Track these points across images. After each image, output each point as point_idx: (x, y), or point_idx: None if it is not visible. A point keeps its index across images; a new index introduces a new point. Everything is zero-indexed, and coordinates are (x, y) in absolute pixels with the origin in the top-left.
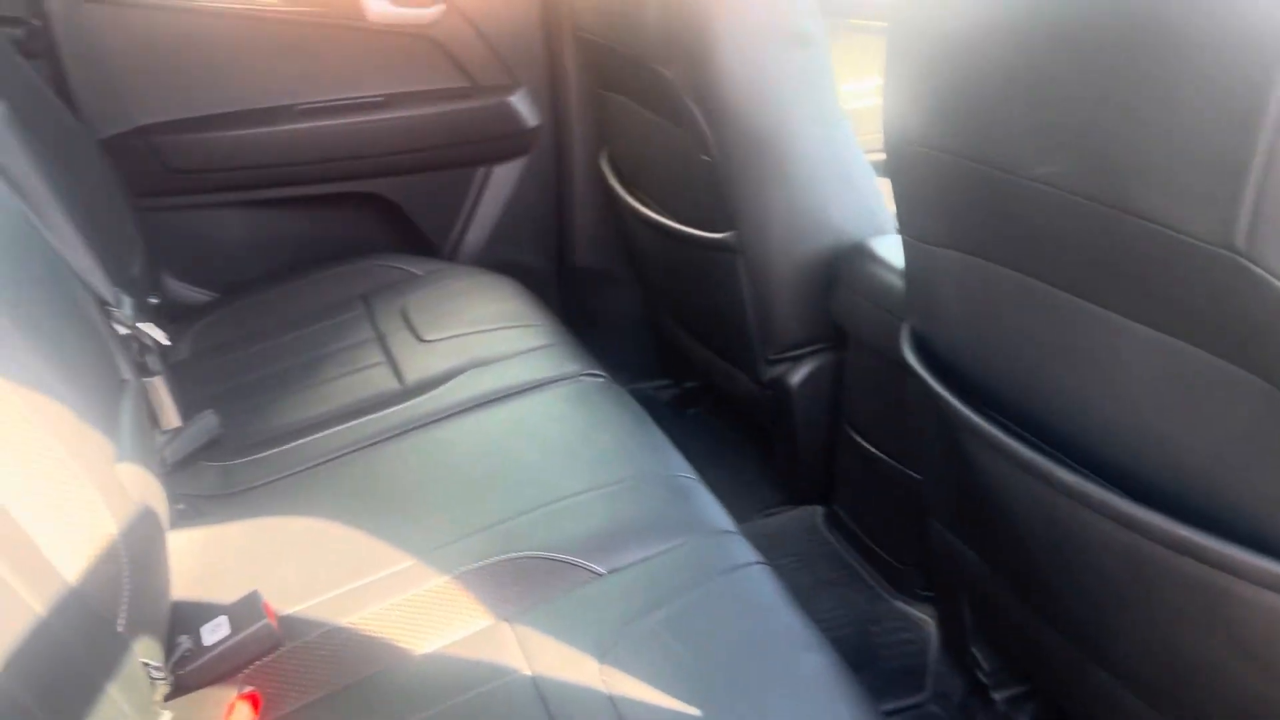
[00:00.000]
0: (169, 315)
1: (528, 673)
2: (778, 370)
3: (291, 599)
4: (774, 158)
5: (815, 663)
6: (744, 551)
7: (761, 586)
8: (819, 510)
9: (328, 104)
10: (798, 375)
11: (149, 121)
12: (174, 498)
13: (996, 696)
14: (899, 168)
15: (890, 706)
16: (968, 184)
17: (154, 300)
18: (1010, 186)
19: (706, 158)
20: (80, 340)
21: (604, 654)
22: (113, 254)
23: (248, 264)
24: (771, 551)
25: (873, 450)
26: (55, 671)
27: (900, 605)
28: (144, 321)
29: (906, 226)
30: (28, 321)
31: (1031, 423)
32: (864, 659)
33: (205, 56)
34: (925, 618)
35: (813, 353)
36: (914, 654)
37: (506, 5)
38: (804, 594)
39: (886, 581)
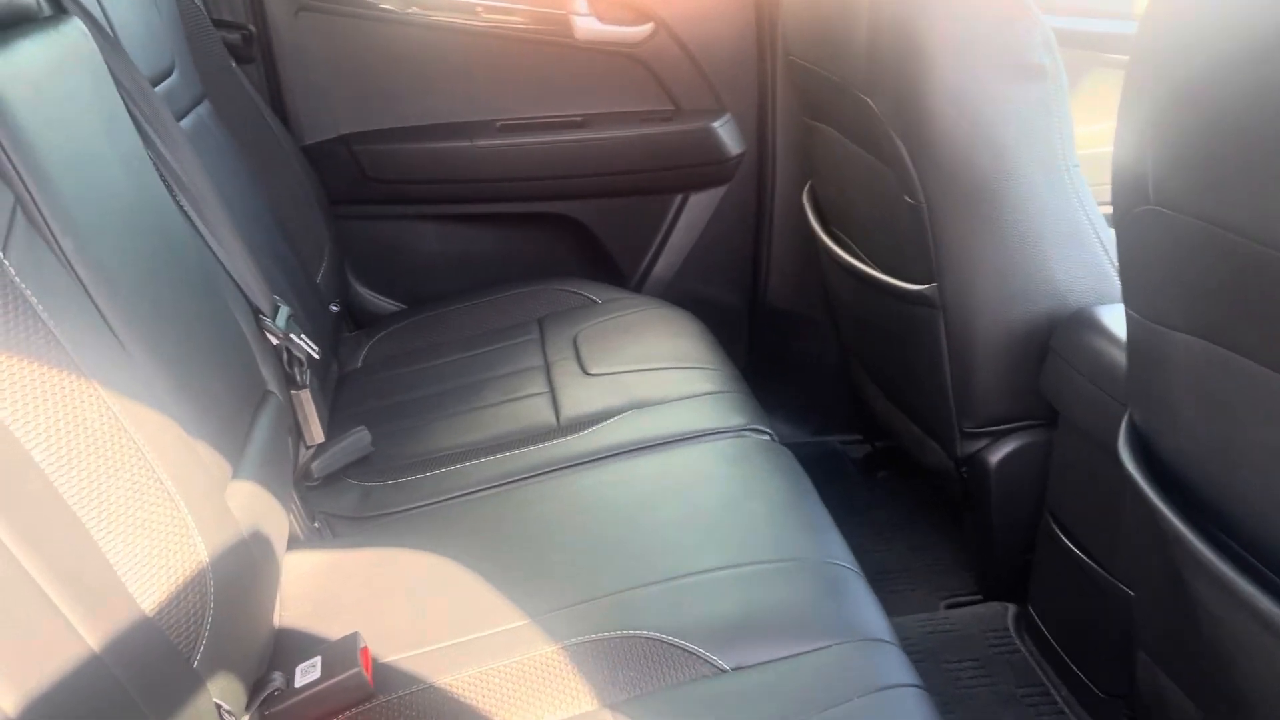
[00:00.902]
0: (354, 321)
1: None
2: (976, 445)
3: (394, 646)
4: (988, 206)
5: None
6: (897, 669)
7: (912, 717)
8: (1010, 609)
9: (527, 121)
10: (998, 454)
11: (351, 130)
12: (311, 514)
13: None
14: (1127, 227)
15: None
16: (1212, 255)
17: (335, 307)
18: (1268, 263)
19: (911, 200)
20: (219, 352)
21: None
22: (297, 260)
23: (435, 277)
24: (948, 651)
25: (1078, 551)
26: (104, 712)
27: None
28: (300, 333)
29: (1131, 299)
30: (155, 332)
31: (1277, 563)
32: None
33: (411, 68)
34: None
35: (1017, 430)
36: None
37: (720, 26)
38: (979, 710)
39: (1082, 709)
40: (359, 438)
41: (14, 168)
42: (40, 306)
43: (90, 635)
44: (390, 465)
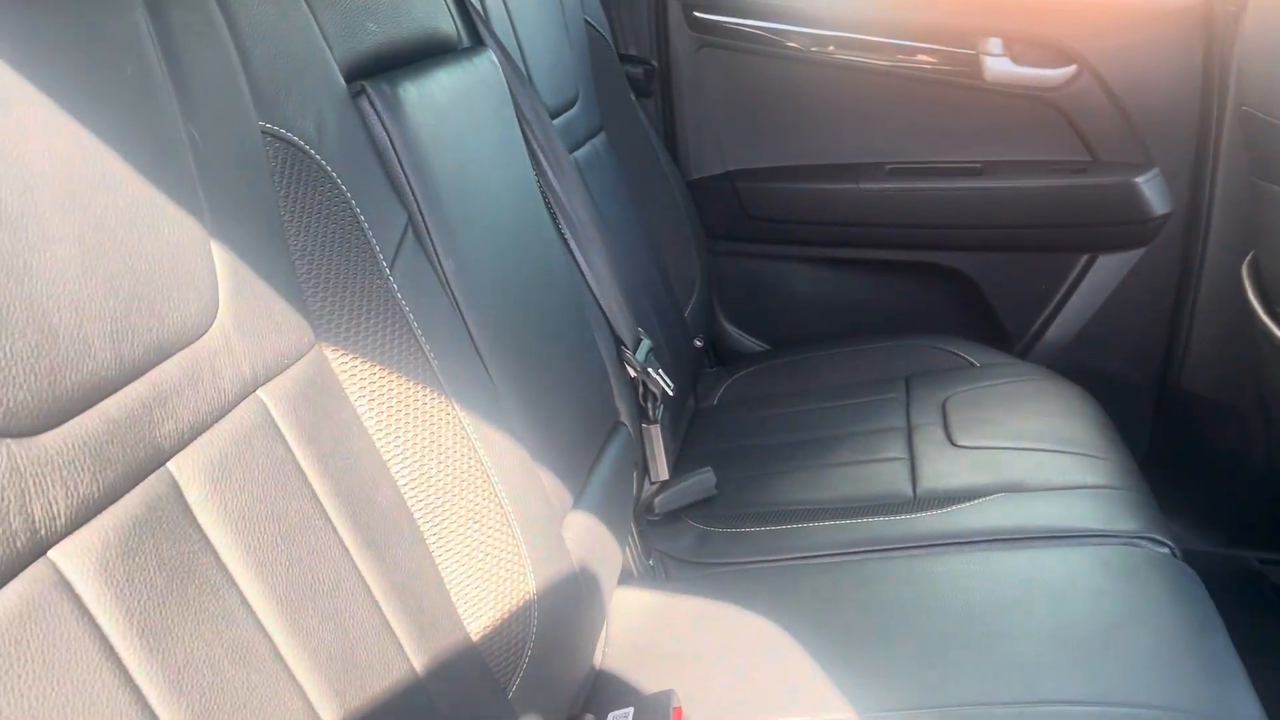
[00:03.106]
0: (716, 357)
1: None
2: None
3: (709, 711)
4: None
5: None
6: None
7: None
8: None
9: (920, 165)
10: None
11: (738, 167)
12: (648, 551)
13: None
14: None
15: None
16: None
17: (699, 342)
18: None
19: None
20: (577, 379)
21: None
22: (668, 292)
23: (804, 321)
24: None
25: None
26: None
27: None
28: (658, 368)
29: None
30: (517, 356)
31: None
32: None
33: (805, 105)
34: None
35: None
36: None
37: (1158, 69)
38: None
39: None
40: (704, 479)
41: (410, 188)
42: (416, 324)
43: (415, 655)
44: (732, 512)
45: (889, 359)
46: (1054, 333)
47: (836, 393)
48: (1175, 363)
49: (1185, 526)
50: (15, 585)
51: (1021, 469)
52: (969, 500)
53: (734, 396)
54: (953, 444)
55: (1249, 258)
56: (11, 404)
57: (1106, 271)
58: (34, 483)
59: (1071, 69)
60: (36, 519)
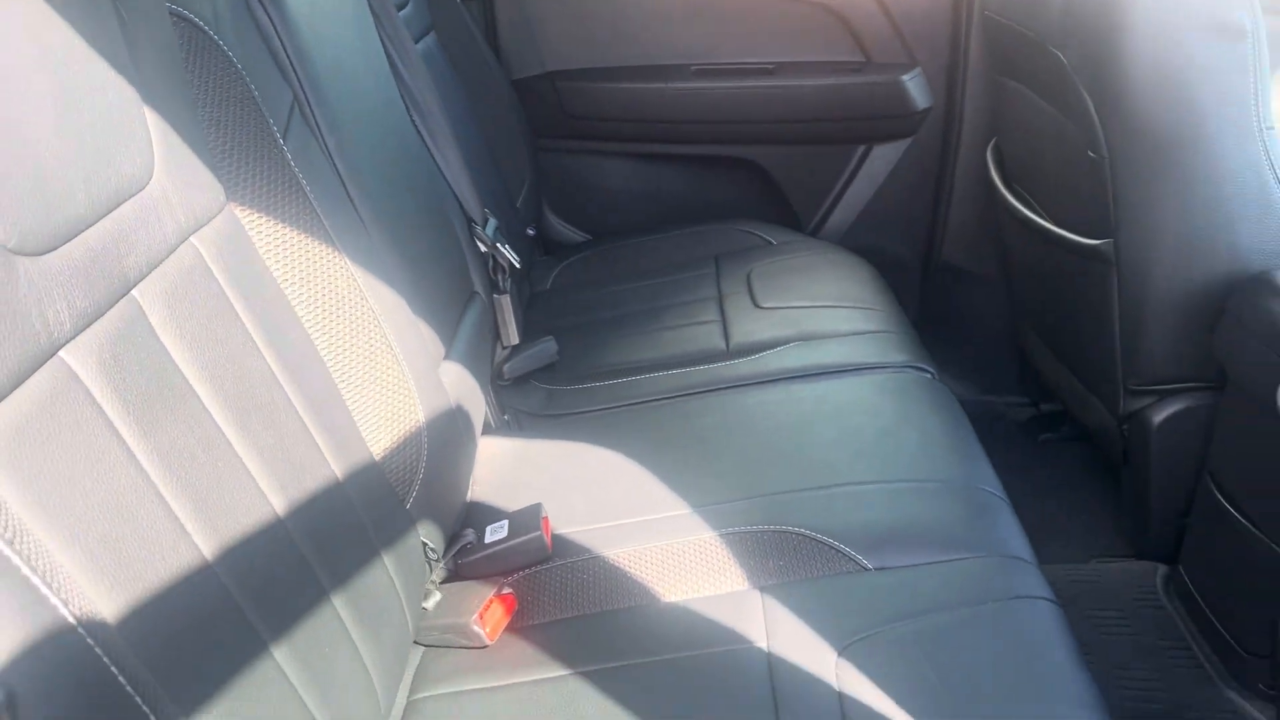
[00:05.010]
0: (543, 248)
1: (764, 646)
2: (1140, 404)
3: (570, 521)
4: (1174, 164)
5: None
6: (1033, 584)
7: (1042, 624)
8: (1161, 569)
9: (720, 66)
10: (1161, 414)
11: (558, 68)
12: (503, 408)
13: None
14: None
15: None
16: None
17: (531, 231)
18: None
19: (1094, 155)
20: (438, 249)
21: (845, 647)
22: (501, 183)
23: (623, 211)
24: (1092, 601)
25: (1236, 515)
26: (339, 535)
27: (1232, 696)
28: (505, 244)
29: None
30: (392, 223)
31: None
32: None
33: (618, 9)
34: (1261, 718)
35: (1183, 391)
36: None
37: None
38: (1116, 653)
39: (1222, 665)
40: (547, 346)
41: (294, 69)
42: (308, 189)
43: (334, 462)
44: (573, 374)
45: (699, 242)
46: (838, 215)
47: (656, 272)
48: (938, 238)
49: (948, 378)
50: (39, 376)
51: (814, 322)
52: (772, 348)
53: (565, 281)
54: (757, 306)
55: (992, 143)
56: (23, 227)
57: (880, 161)
58: (45, 294)
59: None
60: (50, 323)
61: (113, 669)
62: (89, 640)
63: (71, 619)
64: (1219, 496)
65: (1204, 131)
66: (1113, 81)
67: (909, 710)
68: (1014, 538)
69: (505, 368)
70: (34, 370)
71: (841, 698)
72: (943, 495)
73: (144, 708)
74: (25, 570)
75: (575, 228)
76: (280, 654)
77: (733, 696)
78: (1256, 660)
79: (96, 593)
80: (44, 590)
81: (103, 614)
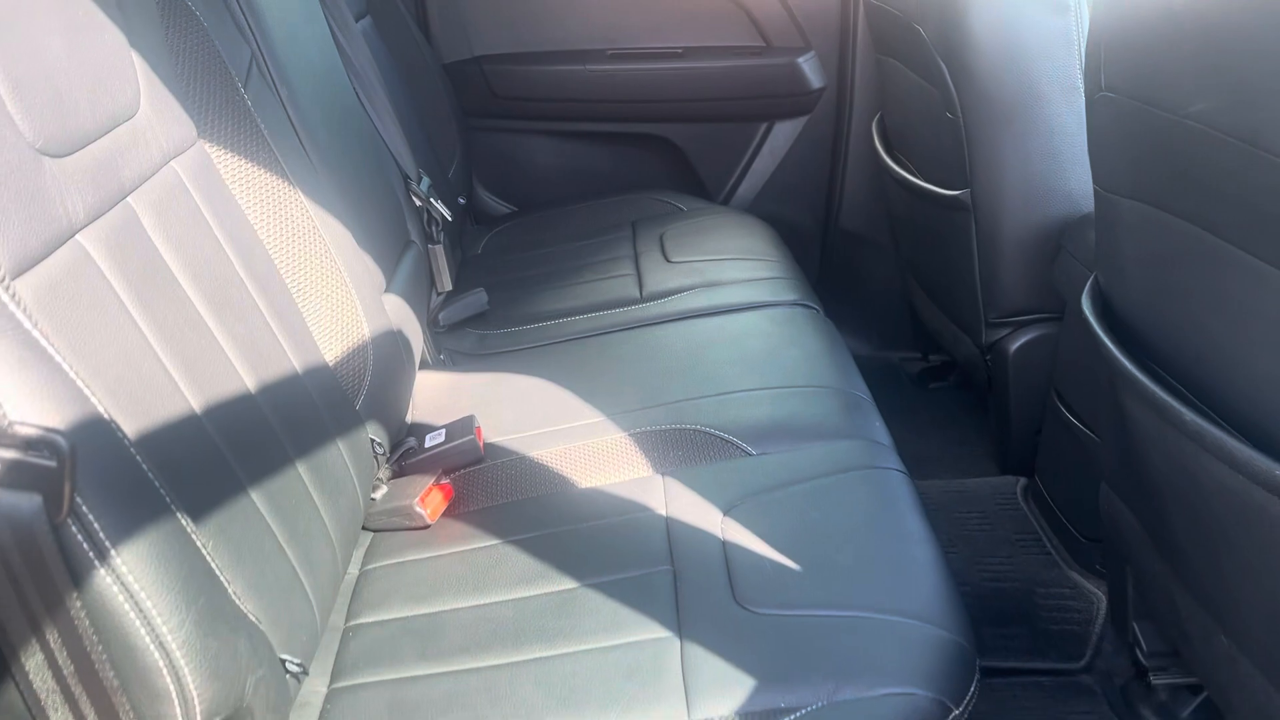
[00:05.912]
0: (474, 219)
1: (663, 513)
2: (998, 334)
3: (500, 431)
4: (1014, 121)
5: (921, 555)
6: (891, 459)
7: (895, 489)
8: (1020, 481)
9: (634, 50)
10: (1016, 342)
11: (485, 52)
12: (438, 349)
13: (1157, 683)
14: (1091, 111)
15: (1041, 665)
16: (1144, 130)
17: (462, 201)
18: (1169, 127)
19: (950, 115)
20: (377, 197)
21: (730, 509)
22: (434, 155)
23: (546, 185)
24: (960, 507)
25: (1078, 424)
26: (301, 416)
27: (1074, 575)
28: (437, 200)
29: (1096, 175)
30: (338, 169)
31: (1192, 381)
32: (1021, 614)
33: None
34: (1097, 592)
35: (1034, 321)
36: (1077, 623)
37: None
38: (977, 547)
39: (1067, 552)
40: (478, 296)
41: (250, 30)
42: (266, 131)
43: (294, 358)
44: (502, 320)
45: (617, 210)
46: (745, 187)
47: (578, 236)
48: (835, 206)
49: (846, 335)
50: (61, 253)
51: (717, 272)
52: (679, 294)
53: (494, 247)
54: (668, 261)
55: (877, 117)
56: (47, 133)
57: (781, 136)
58: (64, 188)
59: None
60: (70, 211)
61: (137, 457)
62: (119, 434)
63: (106, 415)
64: (1064, 410)
65: (1038, 92)
66: (962, 51)
67: (781, 551)
68: (877, 428)
69: (440, 315)
70: (57, 247)
71: (725, 545)
72: (819, 397)
73: (160, 491)
74: (71, 375)
75: (504, 200)
76: (256, 496)
77: (636, 550)
78: (1092, 544)
79: (117, 414)
80: (85, 392)
81: (125, 428)
